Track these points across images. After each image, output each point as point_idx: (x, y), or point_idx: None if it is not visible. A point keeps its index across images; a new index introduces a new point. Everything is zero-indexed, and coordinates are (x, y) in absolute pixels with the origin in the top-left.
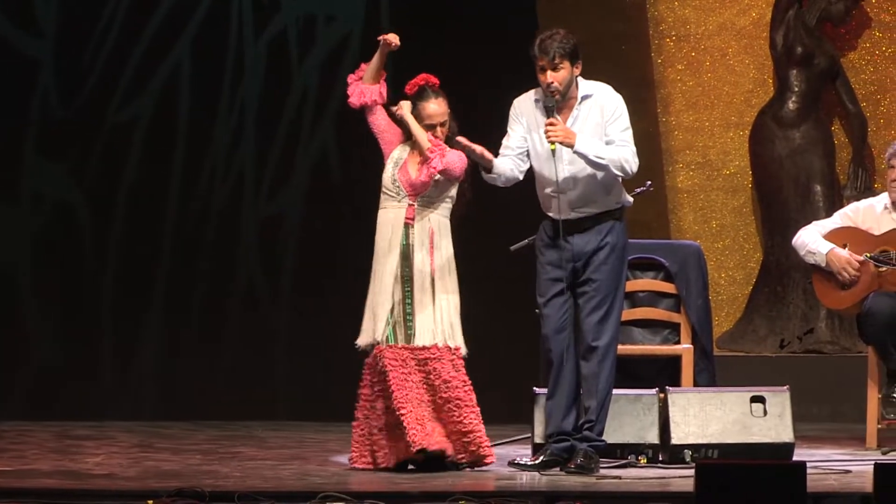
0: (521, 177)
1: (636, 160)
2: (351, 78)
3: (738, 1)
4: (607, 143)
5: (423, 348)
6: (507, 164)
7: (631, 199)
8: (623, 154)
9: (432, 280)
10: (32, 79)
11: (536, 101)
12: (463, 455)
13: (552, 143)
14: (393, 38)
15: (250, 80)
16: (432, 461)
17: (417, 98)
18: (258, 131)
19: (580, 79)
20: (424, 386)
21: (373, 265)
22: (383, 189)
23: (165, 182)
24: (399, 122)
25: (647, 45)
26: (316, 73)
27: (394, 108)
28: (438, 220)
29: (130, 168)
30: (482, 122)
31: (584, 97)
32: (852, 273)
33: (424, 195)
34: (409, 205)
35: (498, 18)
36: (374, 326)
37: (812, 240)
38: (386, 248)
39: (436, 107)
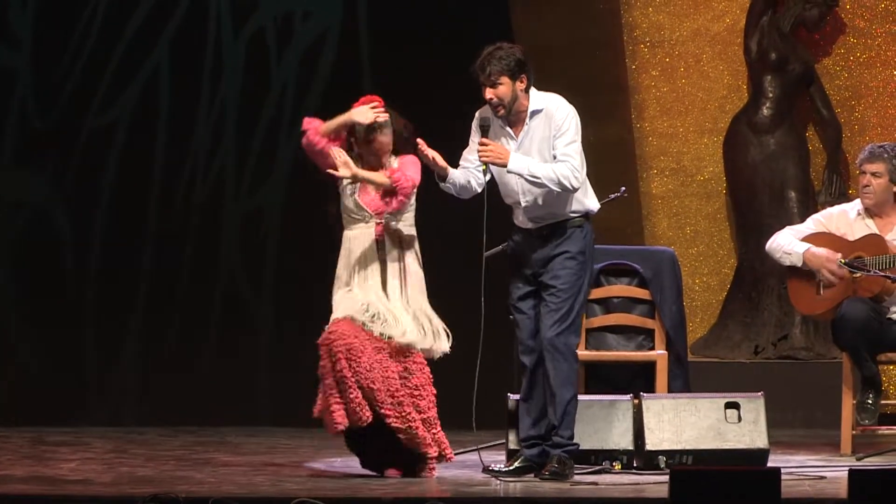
0: (478, 189)
1: (577, 174)
2: (308, 122)
3: (712, 7)
4: (554, 157)
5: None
6: (462, 177)
7: (597, 205)
8: (560, 170)
9: (406, 290)
10: (9, 89)
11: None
12: (434, 448)
13: (483, 163)
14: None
15: (230, 79)
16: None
17: (369, 129)
18: (238, 130)
19: (534, 91)
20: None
21: (343, 280)
22: (347, 214)
23: (146, 185)
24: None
25: (621, 51)
26: (294, 68)
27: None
28: (405, 231)
29: (110, 172)
30: (450, 123)
31: (535, 112)
32: (833, 270)
33: (389, 213)
34: (377, 223)
35: (470, 24)
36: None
37: (787, 241)
38: (363, 264)
39: (386, 138)
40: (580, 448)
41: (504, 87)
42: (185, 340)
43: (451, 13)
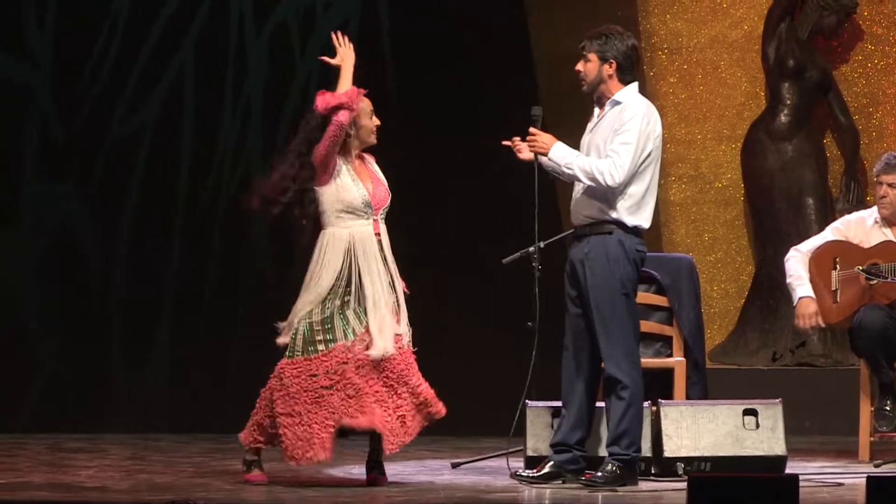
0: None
1: (616, 172)
2: (332, 97)
3: (730, 14)
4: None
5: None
6: None
7: (639, 222)
8: (599, 164)
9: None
10: (29, 104)
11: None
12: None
13: (531, 153)
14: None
15: (254, 76)
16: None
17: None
18: (264, 127)
19: (631, 87)
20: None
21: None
22: (349, 210)
23: (172, 190)
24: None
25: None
26: (317, 59)
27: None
28: (386, 230)
29: (136, 178)
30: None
31: (615, 102)
32: (806, 326)
33: (384, 209)
34: (374, 220)
35: (487, 32)
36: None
37: (797, 273)
38: (371, 262)
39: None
40: (597, 454)
41: (591, 65)
42: (208, 347)
43: (469, 21)
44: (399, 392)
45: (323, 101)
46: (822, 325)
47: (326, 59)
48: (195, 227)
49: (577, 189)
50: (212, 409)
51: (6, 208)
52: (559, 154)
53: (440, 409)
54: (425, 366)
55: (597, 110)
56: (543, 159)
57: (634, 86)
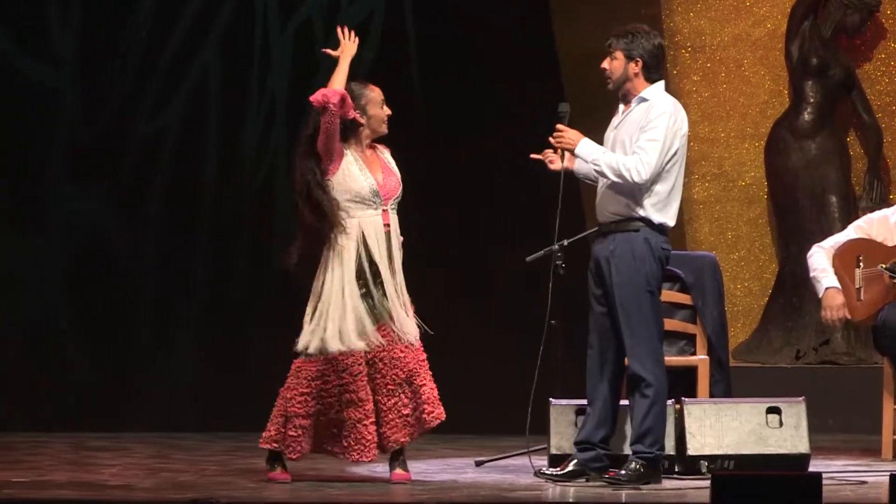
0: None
1: (643, 169)
2: (334, 94)
3: (754, 12)
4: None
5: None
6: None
7: (664, 220)
8: (626, 161)
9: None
10: (55, 107)
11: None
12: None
13: (557, 148)
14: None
15: (278, 72)
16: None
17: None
18: (288, 120)
19: (657, 85)
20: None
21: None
22: (357, 199)
23: (198, 188)
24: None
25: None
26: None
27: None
28: (397, 222)
29: (162, 177)
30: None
31: (642, 99)
32: (833, 318)
33: (395, 199)
34: (384, 210)
35: (511, 31)
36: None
37: (821, 266)
38: (375, 255)
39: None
40: (620, 453)
41: (617, 63)
42: (233, 346)
43: (493, 20)
44: (399, 394)
45: (313, 96)
46: (849, 318)
47: (328, 50)
48: (221, 225)
49: (603, 186)
50: (235, 407)
51: (33, 209)
52: (586, 150)
53: (439, 413)
54: (447, 366)
55: (621, 107)
56: (576, 166)
57: (660, 84)
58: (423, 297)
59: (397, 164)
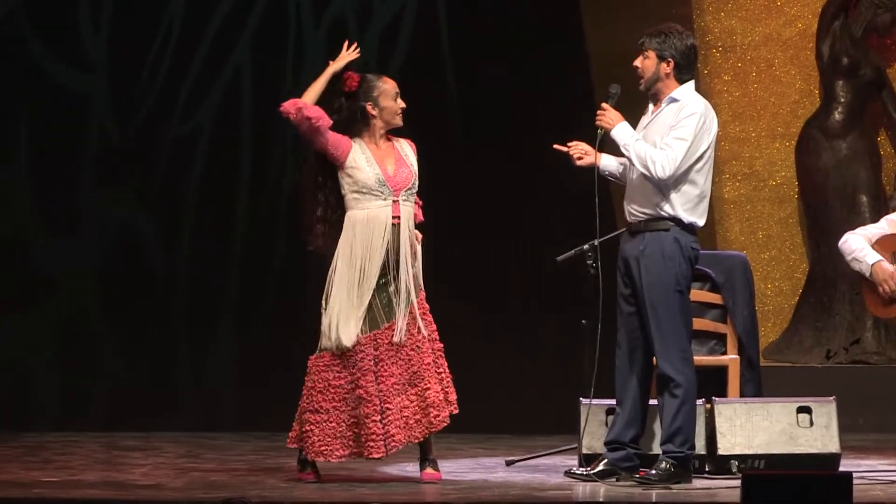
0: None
1: (666, 165)
2: (290, 105)
3: (785, 12)
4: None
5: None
6: (614, 163)
7: (694, 219)
8: (654, 154)
9: (413, 277)
10: (87, 111)
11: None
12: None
13: (598, 127)
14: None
15: (311, 68)
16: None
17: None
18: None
19: (688, 85)
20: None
21: (348, 265)
22: (364, 190)
23: (232, 187)
24: None
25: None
26: (375, 43)
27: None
28: (411, 214)
29: (195, 177)
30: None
31: (672, 99)
32: (893, 288)
33: (407, 190)
34: (394, 201)
35: (542, 30)
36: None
37: (859, 246)
38: (377, 247)
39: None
40: (649, 452)
41: (649, 62)
42: (265, 347)
43: (524, 19)
44: (408, 392)
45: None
46: None
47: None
48: (256, 225)
49: (632, 185)
50: (269, 408)
51: (68, 213)
52: (621, 133)
53: (443, 415)
54: (478, 366)
55: (651, 107)
56: (602, 163)
57: (691, 84)
58: (455, 296)
59: (431, 158)
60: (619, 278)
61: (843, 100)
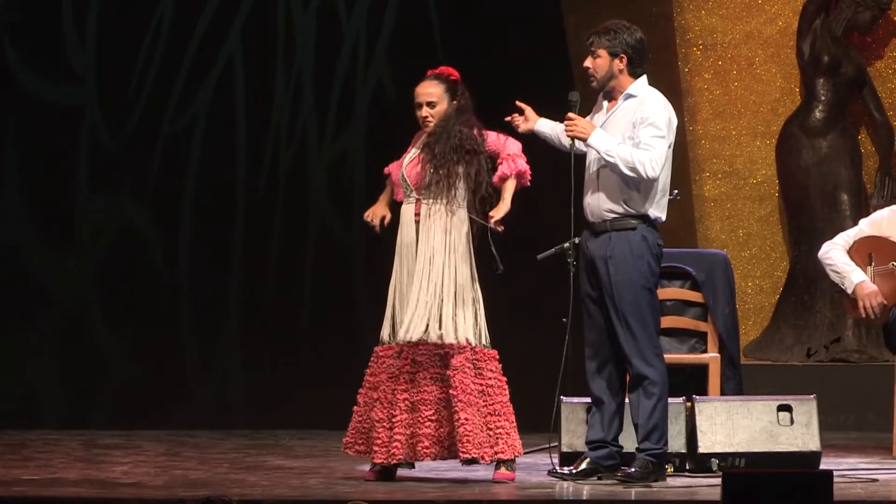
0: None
1: (654, 164)
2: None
3: (765, 10)
4: (634, 145)
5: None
6: (550, 130)
7: (661, 216)
8: (639, 155)
9: (441, 278)
10: (78, 119)
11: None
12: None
13: (570, 139)
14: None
15: (304, 50)
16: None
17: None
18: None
19: (641, 81)
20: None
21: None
22: (399, 186)
23: (230, 177)
24: None
25: (673, 53)
26: (364, 17)
27: None
28: (447, 218)
29: (192, 172)
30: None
31: (629, 95)
32: (873, 306)
33: (427, 190)
34: (416, 199)
35: (523, 29)
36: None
37: (842, 261)
38: (402, 244)
39: (420, 87)
40: (625, 451)
41: (601, 61)
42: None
43: (506, 17)
44: (433, 414)
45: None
46: (885, 303)
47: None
48: (256, 225)
49: (593, 183)
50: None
51: (69, 219)
52: (599, 140)
53: (469, 450)
54: None
55: (605, 104)
56: (536, 127)
57: (644, 78)
58: None
59: None
60: (585, 279)
61: (823, 98)
